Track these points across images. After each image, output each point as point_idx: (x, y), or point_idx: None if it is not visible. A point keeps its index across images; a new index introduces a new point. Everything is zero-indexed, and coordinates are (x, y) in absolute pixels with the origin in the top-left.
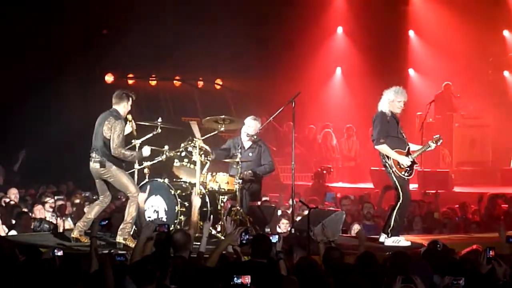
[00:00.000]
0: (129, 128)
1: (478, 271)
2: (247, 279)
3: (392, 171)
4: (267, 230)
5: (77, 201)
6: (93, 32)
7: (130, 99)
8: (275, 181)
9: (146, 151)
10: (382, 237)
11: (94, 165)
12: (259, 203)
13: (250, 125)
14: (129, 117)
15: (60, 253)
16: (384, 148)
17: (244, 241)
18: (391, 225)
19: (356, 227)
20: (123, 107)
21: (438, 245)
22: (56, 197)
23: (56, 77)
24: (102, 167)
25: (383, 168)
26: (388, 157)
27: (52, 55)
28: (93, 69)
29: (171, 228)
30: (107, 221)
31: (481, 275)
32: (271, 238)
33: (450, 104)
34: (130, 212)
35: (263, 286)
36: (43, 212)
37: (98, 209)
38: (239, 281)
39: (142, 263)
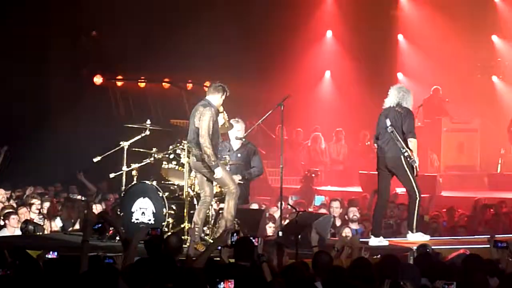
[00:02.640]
0: (221, 119)
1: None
2: (230, 284)
3: (415, 167)
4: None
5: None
6: (82, 34)
7: (225, 93)
8: (264, 184)
9: (219, 172)
10: (410, 236)
11: (191, 159)
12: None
13: (238, 128)
14: (221, 108)
15: (54, 255)
16: (415, 143)
17: (234, 242)
18: (415, 221)
19: (347, 231)
20: (217, 98)
21: (428, 249)
22: (43, 198)
23: (44, 78)
24: (198, 160)
25: (400, 163)
26: (411, 151)
27: (40, 56)
28: (81, 70)
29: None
30: (100, 225)
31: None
32: (253, 241)
33: (439, 109)
34: (228, 209)
35: None
36: (28, 214)
37: (204, 212)
38: (222, 286)
39: (137, 266)
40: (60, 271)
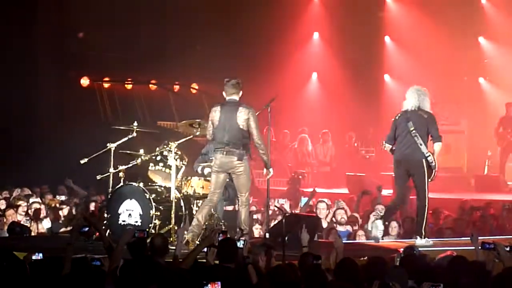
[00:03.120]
0: None
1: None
2: (216, 286)
3: (434, 172)
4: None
5: (53, 204)
6: (68, 35)
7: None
8: (251, 186)
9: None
10: (418, 240)
11: (230, 158)
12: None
13: None
14: None
15: (39, 256)
16: (441, 146)
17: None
18: (423, 226)
19: (334, 232)
20: (240, 95)
21: (415, 251)
22: (31, 200)
23: (31, 80)
24: (239, 160)
25: (422, 167)
26: (433, 155)
27: (27, 58)
28: (68, 72)
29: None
30: (87, 228)
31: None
32: (237, 242)
33: None
34: (245, 218)
35: None
36: (15, 216)
37: (208, 210)
38: None
39: (125, 267)
40: (45, 272)
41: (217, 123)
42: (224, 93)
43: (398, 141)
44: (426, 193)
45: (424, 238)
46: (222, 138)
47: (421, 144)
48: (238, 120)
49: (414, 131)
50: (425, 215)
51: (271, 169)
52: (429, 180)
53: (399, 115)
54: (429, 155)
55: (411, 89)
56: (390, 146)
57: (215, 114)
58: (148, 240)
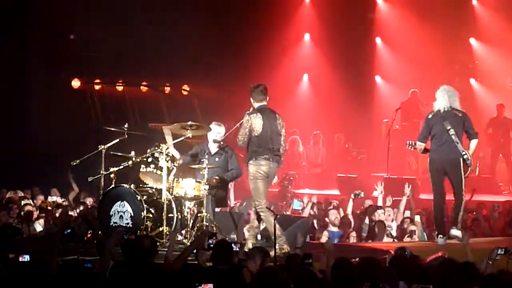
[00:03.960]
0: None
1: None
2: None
3: (470, 169)
4: (233, 236)
5: (45, 206)
6: (60, 37)
7: None
8: (242, 188)
9: None
10: (454, 232)
11: (276, 165)
12: (228, 209)
13: (217, 131)
14: None
15: (26, 258)
16: (477, 143)
17: (211, 245)
18: (459, 218)
19: (325, 234)
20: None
21: (406, 252)
22: (23, 202)
23: (22, 81)
24: (279, 166)
25: (459, 165)
26: (468, 152)
27: (18, 60)
28: (59, 74)
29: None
30: (70, 230)
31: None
32: (232, 246)
33: (417, 112)
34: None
35: None
36: (7, 218)
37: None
38: None
39: (116, 269)
40: (32, 274)
41: (260, 131)
42: (253, 100)
43: (434, 141)
44: (463, 190)
45: (459, 230)
46: (268, 144)
47: (457, 143)
48: (279, 128)
49: (451, 130)
50: (462, 210)
51: None
52: (465, 176)
53: (431, 114)
54: (465, 153)
55: (441, 89)
56: (424, 145)
57: (256, 121)
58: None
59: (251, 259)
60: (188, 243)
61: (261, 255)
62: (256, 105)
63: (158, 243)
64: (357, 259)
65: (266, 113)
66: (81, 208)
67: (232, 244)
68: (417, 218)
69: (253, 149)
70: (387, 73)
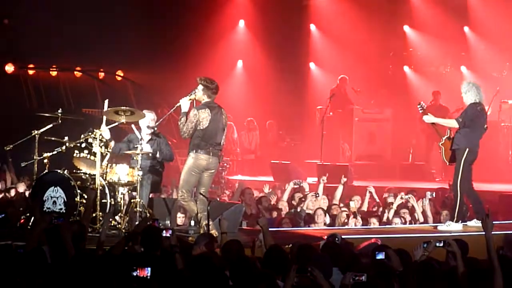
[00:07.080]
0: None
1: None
2: (146, 271)
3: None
4: (167, 222)
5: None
6: None
7: None
8: (175, 173)
9: None
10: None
11: (217, 160)
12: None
13: (150, 118)
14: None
15: None
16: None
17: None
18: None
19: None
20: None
21: (337, 239)
22: None
23: None
24: (220, 161)
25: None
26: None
27: None
28: None
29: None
30: (3, 215)
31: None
32: (163, 232)
33: (346, 98)
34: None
35: (157, 278)
36: None
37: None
38: (137, 273)
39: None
40: None
41: (206, 125)
42: (202, 92)
43: (473, 130)
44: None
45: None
46: (211, 139)
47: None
48: (223, 122)
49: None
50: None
51: None
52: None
53: (479, 106)
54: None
55: (470, 84)
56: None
57: (203, 116)
58: None
59: (195, 245)
60: (122, 228)
61: (206, 240)
62: (204, 98)
63: (91, 229)
64: (290, 245)
65: (214, 109)
66: (12, 193)
67: (164, 231)
68: (352, 204)
69: (195, 142)
70: (322, 60)
